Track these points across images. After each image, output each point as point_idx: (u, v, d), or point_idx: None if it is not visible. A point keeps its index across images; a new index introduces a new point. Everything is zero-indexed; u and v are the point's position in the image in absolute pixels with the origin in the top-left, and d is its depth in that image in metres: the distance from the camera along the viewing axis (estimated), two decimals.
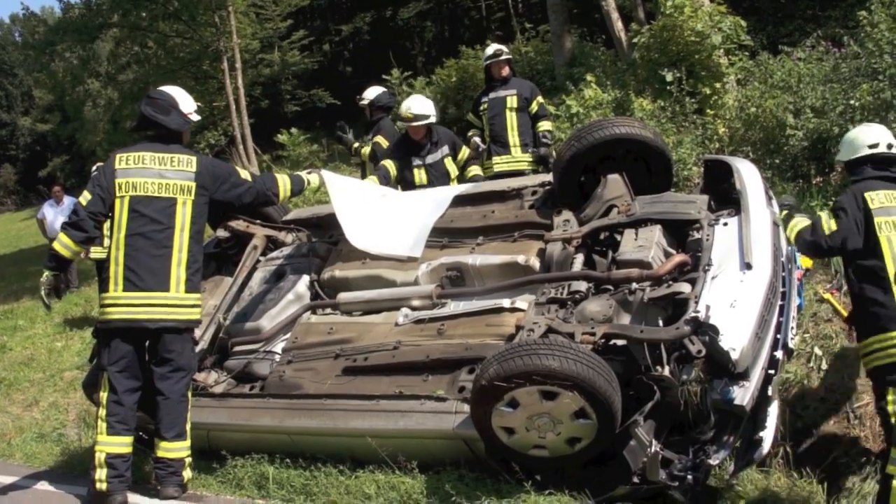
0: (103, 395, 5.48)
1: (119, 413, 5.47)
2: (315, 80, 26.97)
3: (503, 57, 8.89)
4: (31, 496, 6.01)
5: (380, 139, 9.00)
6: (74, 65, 22.10)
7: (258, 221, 7.20)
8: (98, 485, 5.36)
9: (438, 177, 7.90)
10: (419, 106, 7.82)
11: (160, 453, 5.57)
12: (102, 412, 5.47)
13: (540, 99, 8.87)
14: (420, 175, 7.88)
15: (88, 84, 26.43)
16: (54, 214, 14.17)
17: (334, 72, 29.23)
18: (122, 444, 5.46)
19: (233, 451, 5.89)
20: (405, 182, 7.86)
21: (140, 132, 5.94)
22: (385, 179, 7.70)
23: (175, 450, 5.57)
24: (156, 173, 5.54)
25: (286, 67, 25.03)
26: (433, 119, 7.87)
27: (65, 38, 19.98)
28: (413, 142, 7.94)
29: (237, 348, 6.41)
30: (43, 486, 6.28)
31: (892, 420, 4.12)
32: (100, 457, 5.38)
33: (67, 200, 14.28)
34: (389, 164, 7.82)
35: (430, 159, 7.92)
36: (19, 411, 8.90)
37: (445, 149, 8.05)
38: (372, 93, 9.53)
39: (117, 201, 5.52)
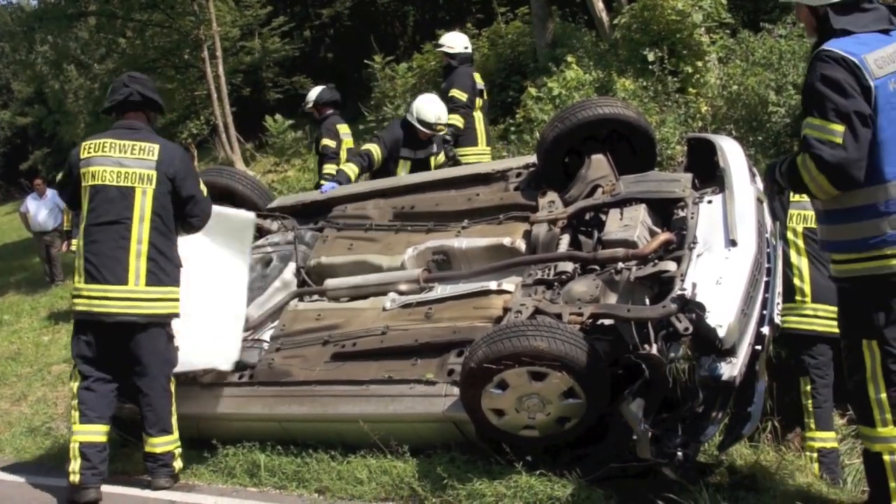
0: (74, 385, 5.47)
1: (89, 401, 5.41)
2: (296, 66, 26.78)
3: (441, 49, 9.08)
4: (21, 490, 6.00)
5: (327, 141, 9.16)
6: (52, 54, 21.93)
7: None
8: (71, 476, 5.32)
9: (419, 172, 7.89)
10: (446, 115, 8.04)
11: (147, 448, 5.57)
12: (75, 401, 5.45)
13: (451, 92, 8.81)
14: (404, 168, 7.92)
15: (68, 73, 26.19)
16: (37, 207, 14.13)
17: (315, 58, 29.02)
18: (94, 433, 5.39)
19: (223, 440, 5.89)
20: (385, 171, 7.85)
21: (111, 116, 5.85)
22: (366, 166, 7.78)
23: (161, 444, 5.56)
24: (115, 161, 5.43)
25: (267, 54, 24.83)
26: None
27: (42, 26, 19.79)
28: (415, 138, 7.97)
29: None
30: (33, 479, 6.26)
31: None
32: (74, 447, 5.35)
33: (50, 193, 14.23)
34: (375, 150, 7.83)
35: (420, 154, 8.01)
36: (8, 406, 8.88)
37: (435, 148, 8.19)
38: (314, 93, 9.70)
39: (83, 191, 5.47)
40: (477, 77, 9.07)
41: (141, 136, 5.58)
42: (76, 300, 5.44)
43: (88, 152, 5.48)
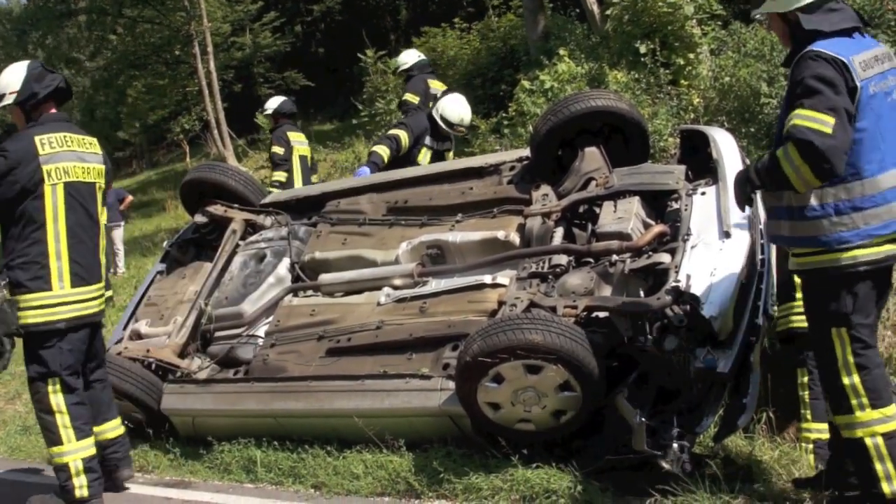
0: (60, 402, 5.05)
1: (84, 414, 5.17)
2: (287, 62, 26.78)
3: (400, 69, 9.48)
4: (16, 489, 5.98)
5: (276, 148, 9.58)
6: (44, 54, 21.88)
7: (236, 206, 7.16)
8: (78, 492, 5.06)
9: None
10: (469, 117, 8.30)
11: (113, 434, 5.45)
12: (65, 419, 5.05)
13: (405, 96, 9.21)
14: (426, 157, 8.06)
15: (60, 71, 26.14)
16: None
17: (307, 53, 29.01)
18: (92, 445, 5.19)
19: (219, 437, 5.90)
20: (408, 160, 7.95)
21: (48, 105, 5.27)
22: (395, 149, 7.88)
23: (120, 425, 5.52)
24: (77, 156, 5.15)
25: (258, 50, 24.84)
26: None
27: (34, 27, 19.75)
28: (438, 131, 8.14)
29: (219, 333, 6.39)
30: (28, 477, 6.26)
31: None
32: (76, 465, 5.05)
33: None
34: (403, 136, 7.94)
35: (438, 146, 8.18)
36: (2, 404, 8.87)
37: (450, 143, 8.38)
38: (274, 102, 10.12)
39: (47, 189, 4.97)
40: (435, 84, 9.47)
41: (80, 130, 5.37)
42: (62, 307, 5.02)
43: (51, 147, 5.02)
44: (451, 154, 8.42)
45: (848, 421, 3.85)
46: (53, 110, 5.26)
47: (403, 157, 7.95)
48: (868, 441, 3.79)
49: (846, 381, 3.81)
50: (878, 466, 3.77)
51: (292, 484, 5.40)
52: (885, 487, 3.75)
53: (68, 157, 5.09)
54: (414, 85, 9.27)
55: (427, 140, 8.07)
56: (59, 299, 5.01)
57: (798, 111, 3.65)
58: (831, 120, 3.57)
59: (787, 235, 3.96)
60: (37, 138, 5.00)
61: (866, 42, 3.87)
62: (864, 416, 3.80)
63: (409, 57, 9.58)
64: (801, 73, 3.71)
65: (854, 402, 3.80)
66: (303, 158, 9.79)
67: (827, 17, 3.81)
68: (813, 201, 3.78)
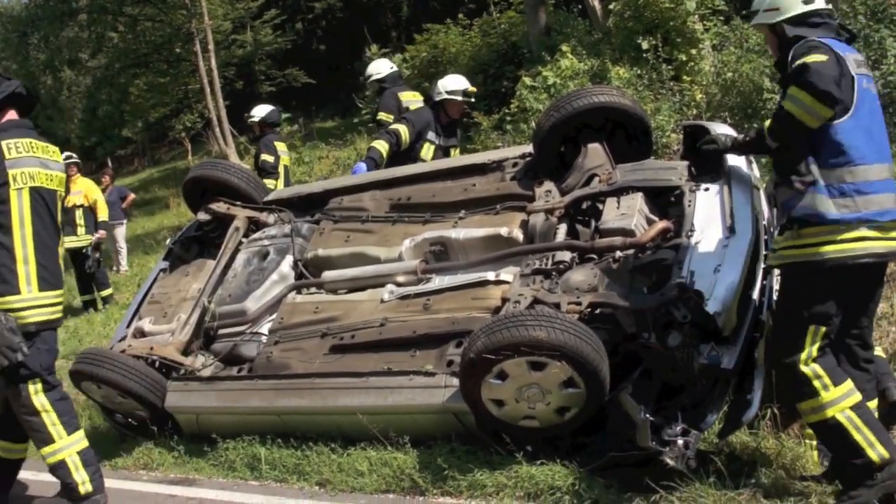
0: (44, 402, 4.98)
1: (69, 409, 5.13)
2: (289, 59, 26.77)
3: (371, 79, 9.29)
4: (19, 486, 5.99)
5: (266, 156, 9.58)
6: (47, 53, 21.92)
7: (239, 203, 7.15)
8: (83, 487, 5.02)
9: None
10: (460, 82, 8.11)
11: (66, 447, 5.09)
12: (52, 417, 4.98)
13: (378, 116, 9.02)
14: (428, 152, 7.96)
15: (62, 72, 26.21)
16: None
17: (308, 50, 29.00)
18: (83, 437, 5.14)
19: (223, 434, 5.90)
20: (410, 155, 7.86)
21: (7, 111, 5.12)
22: (395, 143, 7.78)
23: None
24: (41, 163, 5.03)
25: (259, 47, 24.84)
26: None
27: (37, 27, 19.77)
28: (442, 119, 8.04)
29: (223, 331, 6.39)
30: (33, 475, 6.25)
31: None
32: (73, 460, 5.00)
33: None
34: (403, 130, 7.83)
35: (444, 142, 8.09)
36: None
37: (456, 140, 8.28)
38: (262, 111, 10.12)
39: (13, 194, 4.85)
40: (407, 95, 9.34)
41: (42, 137, 5.24)
42: (31, 311, 4.91)
43: (18, 152, 4.90)
44: (456, 151, 8.33)
45: (814, 405, 3.95)
46: (15, 117, 5.14)
47: (405, 153, 7.87)
48: (840, 417, 3.90)
49: (807, 369, 3.95)
50: (858, 437, 3.88)
51: (297, 481, 5.40)
52: (872, 454, 3.87)
53: (33, 162, 4.99)
54: (386, 103, 9.03)
55: (430, 135, 7.99)
56: (27, 303, 4.91)
57: (798, 63, 3.88)
58: (824, 57, 3.83)
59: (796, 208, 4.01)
60: (3, 143, 4.90)
61: (851, 49, 4.13)
62: (830, 395, 3.92)
63: (382, 67, 9.43)
64: (799, 56, 3.93)
65: (818, 384, 3.93)
66: (286, 168, 9.96)
67: (811, 31, 4.08)
68: (821, 181, 3.92)
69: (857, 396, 3.96)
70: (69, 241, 10.81)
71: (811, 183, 3.92)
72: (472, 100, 8.39)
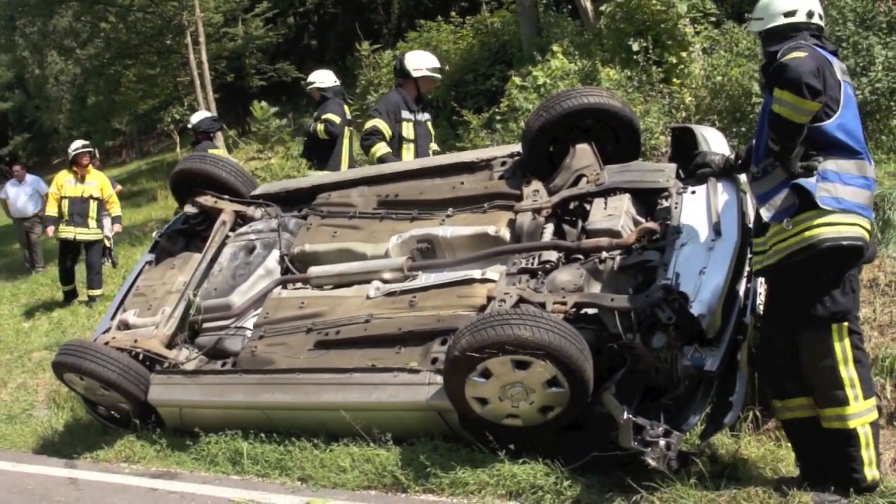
0: None
1: None
2: (280, 53, 26.69)
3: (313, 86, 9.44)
4: (2, 478, 5.97)
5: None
6: (34, 39, 21.76)
7: (226, 197, 7.13)
8: None
9: (424, 135, 8.04)
10: (436, 60, 8.13)
11: None
12: None
13: (325, 115, 9.13)
14: (408, 130, 7.92)
15: (49, 60, 26.02)
16: (16, 193, 14.00)
17: (299, 45, 28.93)
18: None
19: (206, 428, 5.89)
20: (395, 139, 7.85)
21: None
22: (386, 140, 7.75)
23: None
24: None
25: (250, 41, 24.72)
26: None
27: (24, 12, 19.62)
28: (411, 97, 8.00)
29: (208, 325, 6.38)
30: (14, 466, 6.25)
31: None
32: None
33: (29, 178, 14.14)
34: (381, 124, 7.75)
35: (420, 117, 8.03)
36: None
37: (429, 115, 8.30)
38: (197, 118, 10.46)
39: None
40: (346, 109, 9.62)
41: None
42: None
43: None
44: (430, 125, 8.27)
45: (840, 412, 3.98)
46: None
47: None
48: (860, 430, 3.96)
49: (845, 374, 3.97)
50: (865, 454, 3.96)
51: (279, 476, 5.40)
52: (868, 474, 3.97)
53: None
54: (333, 107, 9.22)
55: (404, 114, 7.91)
56: None
57: (778, 62, 3.95)
58: (802, 53, 3.88)
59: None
60: None
61: (836, 57, 4.20)
62: (860, 407, 3.97)
63: (326, 78, 9.58)
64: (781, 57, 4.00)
65: (850, 394, 3.96)
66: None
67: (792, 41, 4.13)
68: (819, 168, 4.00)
69: (876, 413, 4.05)
70: (80, 233, 10.70)
71: (813, 169, 3.98)
72: (439, 74, 8.47)
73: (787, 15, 4.20)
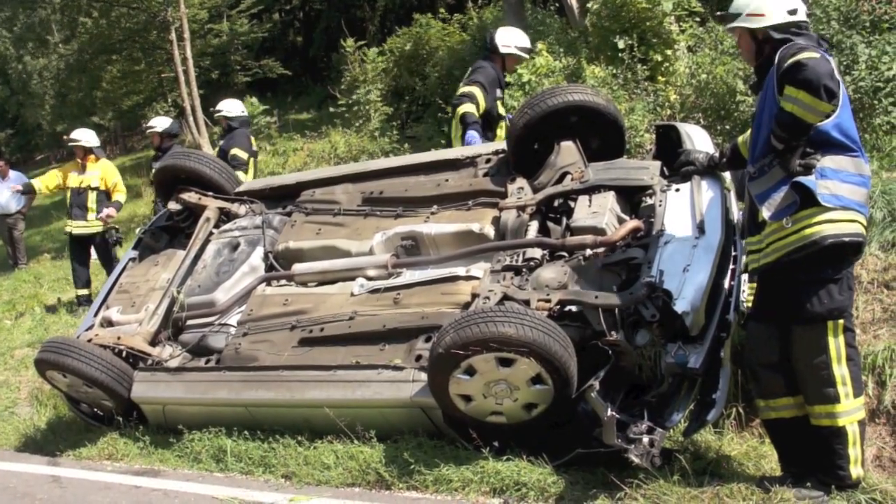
0: None
1: None
2: (265, 50, 26.60)
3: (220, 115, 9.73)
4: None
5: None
6: (18, 32, 21.59)
7: (210, 193, 7.11)
8: None
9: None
10: (527, 40, 7.87)
11: None
12: None
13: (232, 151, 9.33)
14: (501, 108, 7.74)
15: (31, 54, 25.80)
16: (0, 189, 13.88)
17: (284, 41, 28.84)
18: None
19: (189, 426, 5.88)
20: (489, 115, 7.57)
21: None
22: (476, 107, 7.46)
23: None
24: None
25: (235, 37, 24.61)
26: None
27: (5, 5, 19.46)
28: (502, 76, 7.77)
29: (191, 322, 6.35)
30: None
31: None
32: None
33: (13, 174, 14.03)
34: (479, 95, 7.44)
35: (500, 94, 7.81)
36: None
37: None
38: (164, 122, 10.53)
39: None
40: (253, 140, 9.76)
41: None
42: None
43: None
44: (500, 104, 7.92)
45: (830, 410, 4.01)
46: None
47: (483, 117, 7.51)
48: (849, 428, 3.99)
49: (837, 372, 4.00)
50: (851, 451, 4.00)
51: (262, 473, 5.39)
52: (853, 471, 4.01)
53: None
54: (240, 141, 9.35)
55: (498, 92, 7.66)
56: None
57: (791, 60, 3.90)
58: (816, 54, 3.86)
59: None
60: None
61: (831, 56, 4.17)
62: (849, 405, 4.00)
63: (234, 108, 9.65)
64: (789, 55, 3.97)
65: (841, 391, 3.99)
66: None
67: (794, 39, 4.13)
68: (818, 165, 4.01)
69: (864, 412, 4.09)
70: (76, 227, 10.51)
71: (812, 167, 3.99)
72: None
73: (791, 13, 4.20)
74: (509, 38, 7.71)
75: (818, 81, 3.75)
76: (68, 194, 10.60)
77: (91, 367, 5.89)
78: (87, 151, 10.54)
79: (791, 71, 3.87)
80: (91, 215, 10.48)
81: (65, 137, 11.12)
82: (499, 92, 7.70)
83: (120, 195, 10.67)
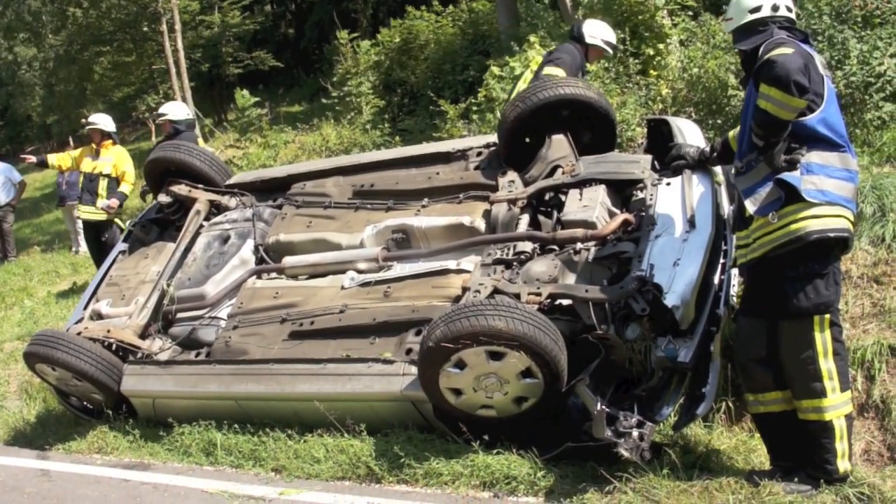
0: None
1: None
2: (256, 42, 26.53)
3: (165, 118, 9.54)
4: None
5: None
6: (7, 22, 21.44)
7: (201, 186, 7.09)
8: None
9: None
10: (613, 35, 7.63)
11: None
12: None
13: None
14: None
15: (20, 45, 25.64)
16: None
17: (276, 33, 28.79)
18: None
19: (180, 419, 5.86)
20: None
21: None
22: None
23: None
24: None
25: (226, 29, 24.52)
26: None
27: None
28: (584, 65, 7.47)
29: (181, 315, 6.34)
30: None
31: None
32: None
33: (1, 167, 13.92)
34: (561, 74, 7.01)
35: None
36: None
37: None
38: (101, 118, 10.40)
39: None
40: (201, 142, 9.73)
41: None
42: None
43: None
44: None
45: (817, 404, 4.03)
46: None
47: None
48: (835, 423, 4.01)
49: (824, 366, 4.01)
50: (839, 446, 4.02)
51: (252, 467, 5.38)
52: (841, 465, 4.02)
53: None
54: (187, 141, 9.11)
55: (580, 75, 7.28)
56: None
57: (766, 57, 3.93)
58: (789, 49, 3.88)
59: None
60: None
61: (814, 49, 4.23)
62: (835, 400, 4.02)
63: (179, 112, 9.59)
64: (766, 52, 4.00)
65: (828, 386, 4.01)
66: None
67: (764, 35, 4.17)
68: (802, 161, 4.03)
69: (851, 406, 4.11)
70: (86, 212, 10.44)
71: (796, 162, 4.00)
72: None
73: (752, 11, 4.24)
74: (597, 30, 7.43)
75: (788, 78, 3.76)
76: (81, 178, 10.53)
77: (80, 360, 5.87)
78: (104, 136, 10.42)
79: (763, 68, 3.90)
80: (101, 202, 10.39)
81: (83, 121, 11.07)
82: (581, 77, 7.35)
83: (126, 185, 10.42)
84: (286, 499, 4.88)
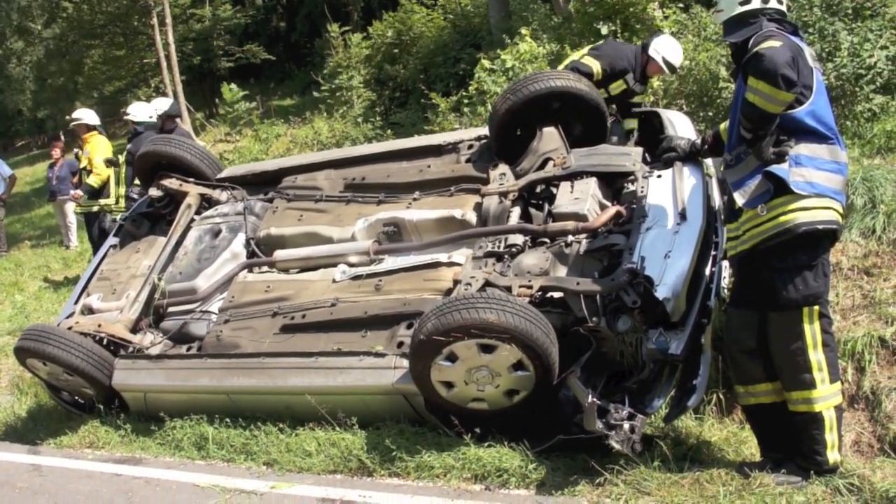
0: None
1: None
2: (248, 35, 26.46)
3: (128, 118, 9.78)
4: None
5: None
6: None
7: (191, 180, 7.07)
8: None
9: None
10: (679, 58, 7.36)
11: None
12: None
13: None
14: (618, 89, 7.14)
15: (9, 42, 25.52)
16: None
17: (268, 27, 28.70)
18: None
19: (171, 413, 5.85)
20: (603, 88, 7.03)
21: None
22: (589, 75, 6.80)
23: None
24: None
25: (218, 22, 24.45)
26: None
27: None
28: (639, 70, 7.21)
29: (173, 309, 6.33)
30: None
31: None
32: None
33: None
34: (595, 65, 6.89)
35: (639, 88, 7.28)
36: None
37: (644, 88, 7.61)
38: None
39: None
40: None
41: None
42: None
43: None
44: (643, 97, 7.57)
45: (807, 396, 4.04)
46: None
47: (598, 84, 6.83)
48: (825, 414, 4.02)
49: (813, 358, 4.02)
50: (828, 437, 4.03)
51: (244, 461, 5.37)
52: (830, 456, 4.04)
53: None
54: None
55: (628, 77, 7.11)
56: None
57: (754, 51, 3.93)
58: (777, 42, 3.87)
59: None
60: None
61: (804, 41, 4.21)
62: (825, 391, 4.03)
63: (141, 112, 9.67)
64: (755, 45, 3.99)
65: (818, 377, 4.02)
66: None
67: (753, 28, 4.16)
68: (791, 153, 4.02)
69: (841, 397, 4.12)
70: (76, 206, 10.48)
71: (785, 154, 4.00)
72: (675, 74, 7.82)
73: (742, 3, 4.23)
74: (662, 46, 7.15)
75: (775, 71, 3.76)
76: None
77: (71, 354, 5.86)
78: (89, 130, 10.45)
79: (751, 62, 3.90)
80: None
81: (68, 118, 11.09)
82: (629, 76, 7.13)
83: (93, 177, 10.31)
84: (278, 492, 4.88)
